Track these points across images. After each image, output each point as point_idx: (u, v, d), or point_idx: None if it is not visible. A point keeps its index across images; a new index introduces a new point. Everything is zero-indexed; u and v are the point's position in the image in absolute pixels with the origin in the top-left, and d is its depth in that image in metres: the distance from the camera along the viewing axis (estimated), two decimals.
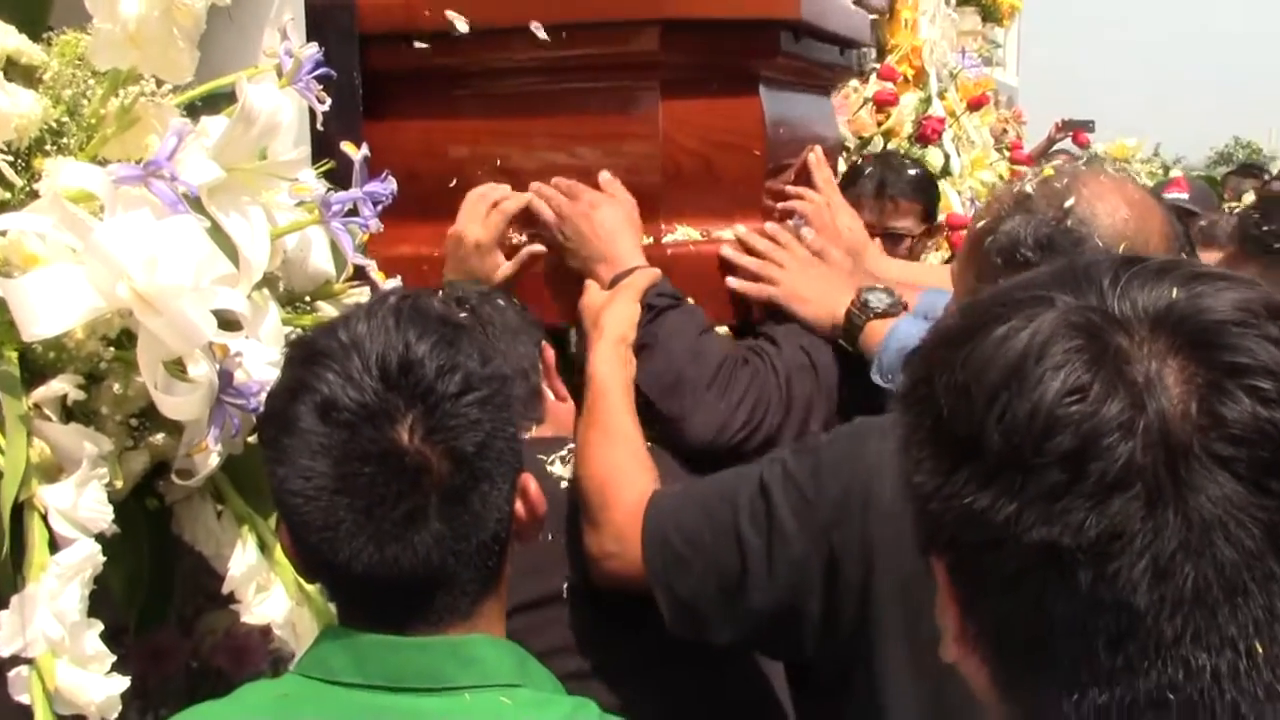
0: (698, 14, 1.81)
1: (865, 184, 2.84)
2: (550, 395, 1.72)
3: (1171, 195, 4.83)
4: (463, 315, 1.54)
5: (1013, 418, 0.68)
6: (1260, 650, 0.66)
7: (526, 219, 1.86)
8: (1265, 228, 2.32)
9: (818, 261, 1.90)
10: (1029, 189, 1.37)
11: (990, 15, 8.26)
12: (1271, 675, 0.66)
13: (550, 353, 1.71)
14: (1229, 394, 0.66)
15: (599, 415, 1.60)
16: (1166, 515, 0.65)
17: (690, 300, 1.78)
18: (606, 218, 1.80)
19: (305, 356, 1.04)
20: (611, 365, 1.64)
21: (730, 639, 1.43)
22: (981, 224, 1.41)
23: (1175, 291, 0.70)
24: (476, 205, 1.84)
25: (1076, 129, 6.04)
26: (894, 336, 1.73)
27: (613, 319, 1.68)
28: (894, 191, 2.73)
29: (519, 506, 1.09)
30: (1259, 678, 0.66)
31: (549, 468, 1.62)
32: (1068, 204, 1.33)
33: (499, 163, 1.89)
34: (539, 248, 1.85)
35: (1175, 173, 7.63)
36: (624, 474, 1.52)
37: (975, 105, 4.30)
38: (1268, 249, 2.29)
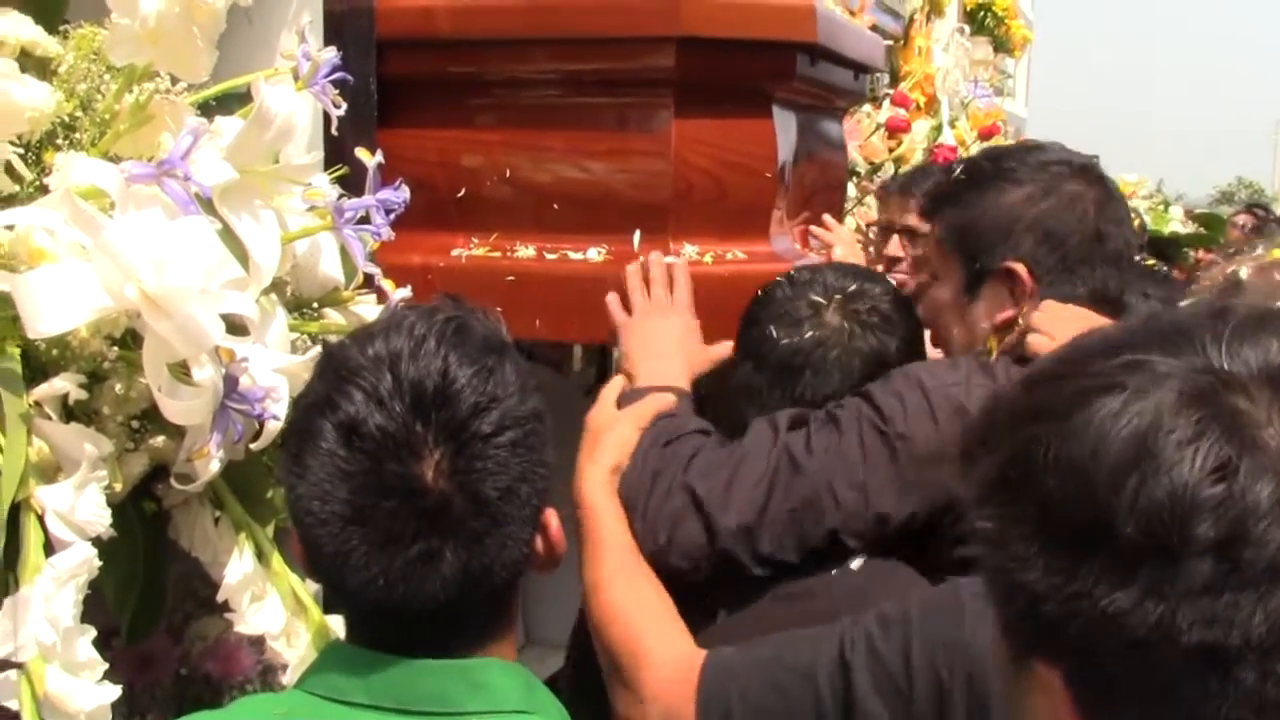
0: (714, 33, 1.80)
1: (892, 183, 2.82)
2: None
3: None
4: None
5: (1148, 502, 0.61)
6: None
7: None
8: None
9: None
10: (1243, 274, 1.20)
11: (1002, 46, 8.30)
12: None
13: None
14: None
15: (604, 553, 1.47)
16: None
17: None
18: (649, 332, 1.70)
19: (337, 369, 1.00)
20: (606, 499, 1.51)
21: None
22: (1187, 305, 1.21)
23: None
24: None
25: None
26: None
27: (609, 446, 1.55)
28: (916, 189, 2.63)
29: (539, 542, 1.05)
30: None
31: None
32: None
33: (509, 173, 1.88)
34: None
35: (1176, 209, 7.64)
36: (649, 624, 1.39)
37: (986, 135, 4.32)
38: None
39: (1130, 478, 0.61)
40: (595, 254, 1.85)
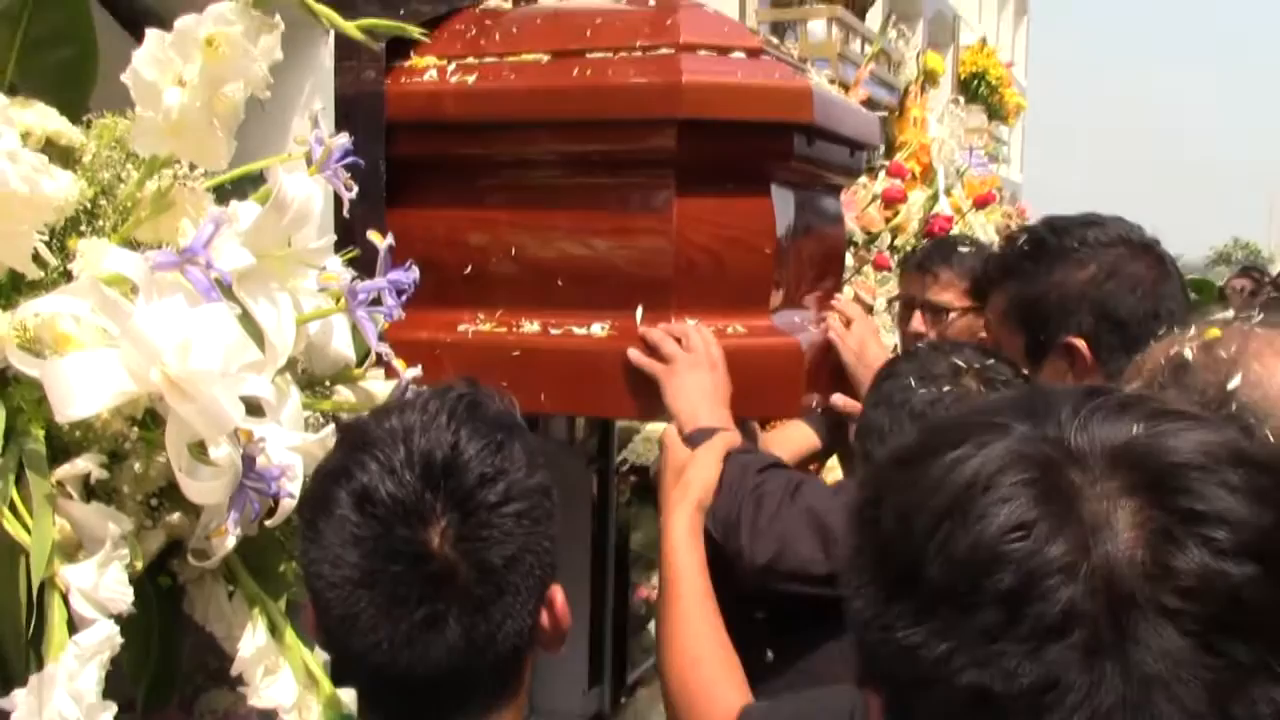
0: (714, 115, 1.85)
1: (910, 259, 2.85)
2: None
3: None
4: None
5: (953, 551, 0.65)
6: None
7: None
8: None
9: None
10: (1188, 354, 1.15)
11: (996, 114, 8.42)
12: None
13: None
14: (1180, 543, 0.61)
15: (680, 600, 1.53)
16: (1105, 667, 0.61)
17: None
18: (698, 380, 1.79)
19: (354, 441, 1.04)
20: (691, 537, 1.59)
21: None
22: (1131, 388, 1.18)
23: (1137, 428, 0.66)
24: None
25: None
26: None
27: (697, 481, 1.64)
28: (933, 265, 2.68)
29: (544, 618, 1.08)
30: None
31: None
32: (1232, 384, 1.11)
33: (514, 251, 1.92)
34: None
35: None
36: (711, 679, 1.45)
37: (982, 203, 4.37)
38: None
39: (943, 527, 0.65)
40: (599, 329, 1.89)
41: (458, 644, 1.00)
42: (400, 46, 1.83)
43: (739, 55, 1.88)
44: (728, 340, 1.90)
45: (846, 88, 3.46)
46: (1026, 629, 0.62)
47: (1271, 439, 1.06)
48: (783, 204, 1.96)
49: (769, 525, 1.62)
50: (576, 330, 1.89)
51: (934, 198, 3.80)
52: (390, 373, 1.44)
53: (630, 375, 1.85)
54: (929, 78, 5.63)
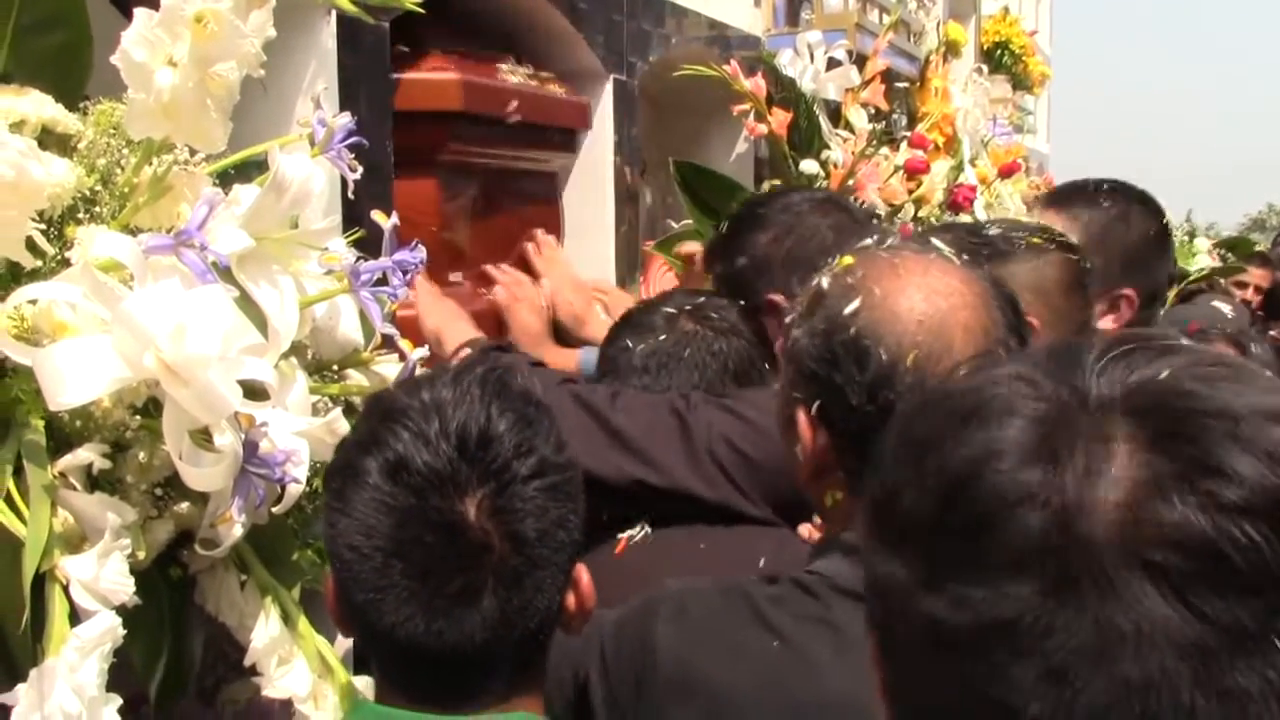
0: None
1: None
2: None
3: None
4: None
5: (929, 476, 0.61)
6: None
7: None
8: None
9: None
10: (824, 284, 1.18)
11: (1021, 83, 8.33)
12: None
13: None
14: (1178, 493, 0.56)
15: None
16: (1067, 613, 0.56)
17: None
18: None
19: (383, 411, 1.04)
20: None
21: None
22: (786, 320, 1.24)
23: (1166, 373, 0.61)
24: None
25: None
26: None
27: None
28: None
29: (570, 598, 1.07)
30: None
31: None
32: (850, 308, 1.14)
33: None
34: None
35: (1202, 240, 7.50)
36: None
37: (1007, 172, 4.30)
38: None
39: (930, 456, 0.62)
40: None
41: (491, 616, 1.00)
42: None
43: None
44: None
45: (865, 58, 3.40)
46: (989, 560, 0.57)
47: (885, 358, 1.10)
48: (454, 184, 2.20)
49: None
50: None
51: (958, 168, 3.74)
52: (401, 356, 1.41)
53: None
54: (951, 48, 5.56)
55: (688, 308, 1.76)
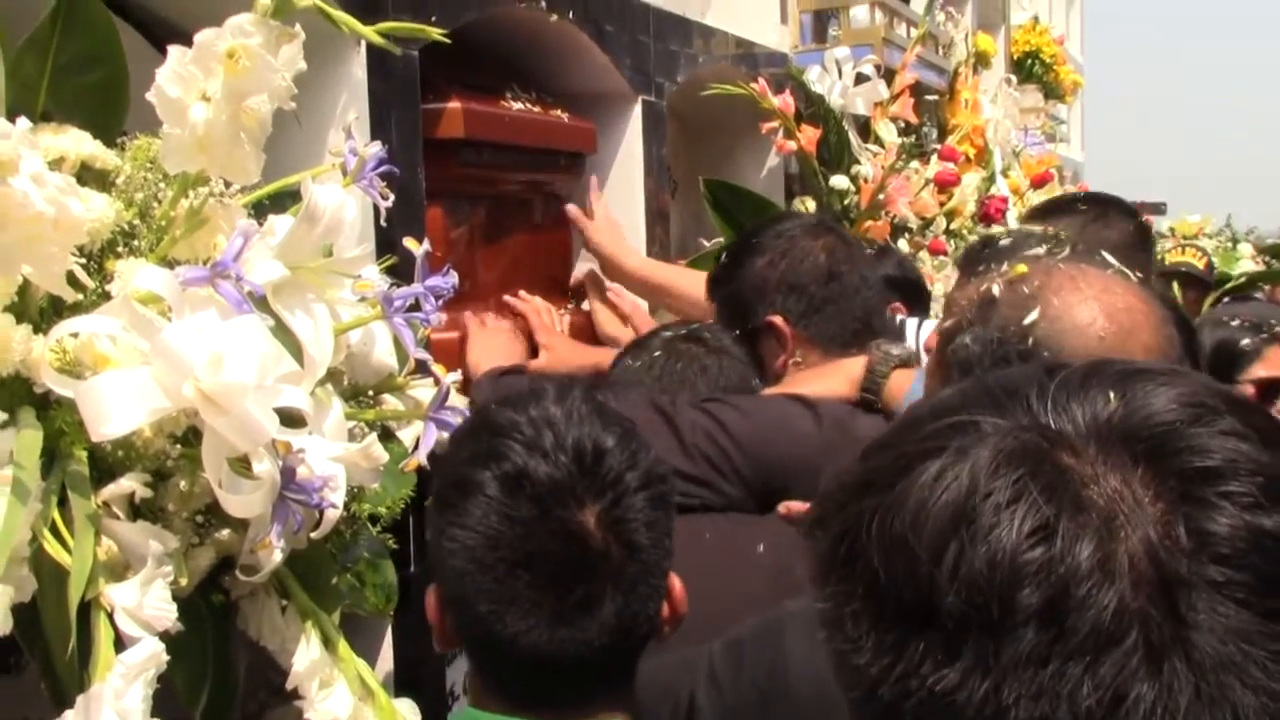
0: None
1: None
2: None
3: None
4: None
5: (968, 571, 0.56)
6: None
7: None
8: None
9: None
10: (995, 290, 1.16)
11: (1052, 93, 8.28)
12: None
13: None
14: (1210, 505, 0.55)
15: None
16: (1173, 664, 0.53)
17: None
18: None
19: (491, 427, 1.09)
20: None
21: None
22: (946, 325, 1.21)
23: (1112, 397, 0.60)
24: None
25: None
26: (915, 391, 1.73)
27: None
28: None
29: (664, 606, 1.12)
30: None
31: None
32: (1030, 318, 1.12)
33: None
34: None
35: (1244, 246, 7.42)
36: None
37: (1039, 182, 4.30)
38: None
39: (950, 547, 0.57)
40: None
41: (609, 623, 1.05)
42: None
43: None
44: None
45: (893, 73, 3.41)
46: (1075, 643, 0.54)
47: None
48: (456, 212, 2.20)
49: None
50: None
51: (989, 179, 3.74)
52: (436, 381, 1.43)
53: None
54: (980, 59, 5.54)
55: (684, 331, 1.89)
